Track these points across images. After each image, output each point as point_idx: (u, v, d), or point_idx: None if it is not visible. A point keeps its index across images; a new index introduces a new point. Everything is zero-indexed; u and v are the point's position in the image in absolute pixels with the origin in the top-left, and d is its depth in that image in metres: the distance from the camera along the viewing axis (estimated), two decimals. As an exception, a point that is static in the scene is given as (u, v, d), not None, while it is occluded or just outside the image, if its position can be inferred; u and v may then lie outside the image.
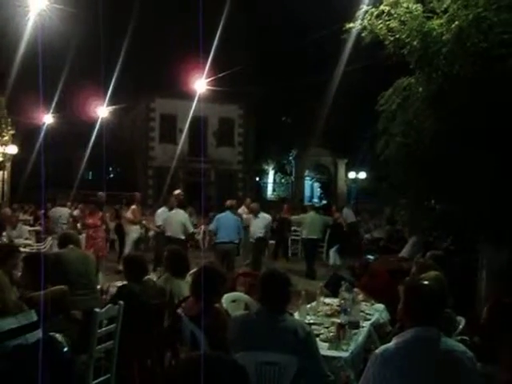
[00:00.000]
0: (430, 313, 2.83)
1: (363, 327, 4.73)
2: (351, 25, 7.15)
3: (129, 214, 12.37)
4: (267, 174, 39.34)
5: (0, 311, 3.40)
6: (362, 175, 33.55)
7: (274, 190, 39.34)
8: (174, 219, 10.45)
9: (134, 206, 12.49)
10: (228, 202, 10.96)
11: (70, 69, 21.26)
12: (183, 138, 29.45)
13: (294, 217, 14.52)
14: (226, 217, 10.49)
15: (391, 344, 2.84)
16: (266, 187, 39.41)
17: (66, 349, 3.30)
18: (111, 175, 37.96)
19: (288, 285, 3.52)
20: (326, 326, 4.67)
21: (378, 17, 6.84)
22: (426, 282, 3.07)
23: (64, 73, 20.47)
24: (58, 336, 3.32)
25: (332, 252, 14.16)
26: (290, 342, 3.32)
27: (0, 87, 19.63)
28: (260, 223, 11.59)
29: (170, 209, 10.89)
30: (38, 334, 3.55)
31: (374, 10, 6.86)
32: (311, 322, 4.74)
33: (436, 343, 2.76)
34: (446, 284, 4.08)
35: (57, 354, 3.24)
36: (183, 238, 10.22)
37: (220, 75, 14.24)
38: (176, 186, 29.77)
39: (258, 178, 38.84)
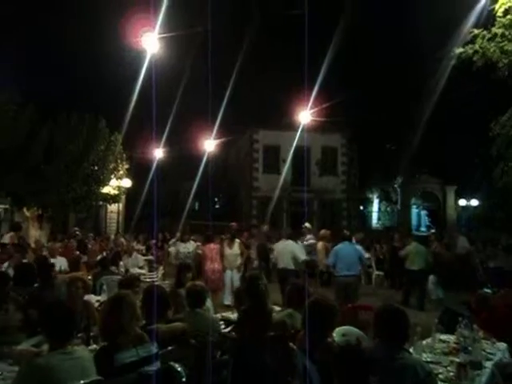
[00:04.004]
0: None
1: (485, 367, 4.42)
2: (461, 49, 6.97)
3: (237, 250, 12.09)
4: (372, 202, 38.58)
5: (122, 342, 3.56)
6: (474, 202, 32.01)
7: (379, 219, 38.44)
8: (284, 250, 10.56)
9: (238, 240, 12.37)
10: (345, 232, 10.76)
11: (179, 105, 22.33)
12: (286, 168, 29.78)
13: (401, 252, 13.67)
14: (344, 248, 10.10)
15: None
16: (371, 216, 38.60)
17: (183, 378, 3.39)
18: (217, 206, 39.09)
19: (407, 321, 3.39)
20: (445, 364, 4.43)
21: (491, 40, 6.60)
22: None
23: (173, 109, 21.52)
24: (177, 366, 3.42)
25: (431, 284, 13.39)
26: (409, 382, 3.18)
27: (118, 125, 20.99)
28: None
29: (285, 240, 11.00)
30: (157, 364, 3.69)
31: (485, 32, 6.64)
32: (428, 360, 4.51)
33: None
34: None
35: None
36: (294, 268, 10.24)
37: (324, 106, 14.29)
38: (280, 215, 30.25)
39: (362, 207, 38.18)
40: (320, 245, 13.36)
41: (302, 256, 10.59)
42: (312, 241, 13.34)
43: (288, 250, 10.49)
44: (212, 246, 12.03)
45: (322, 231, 12.59)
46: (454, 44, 7.27)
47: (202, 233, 15.94)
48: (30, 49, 22.23)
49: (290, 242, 10.74)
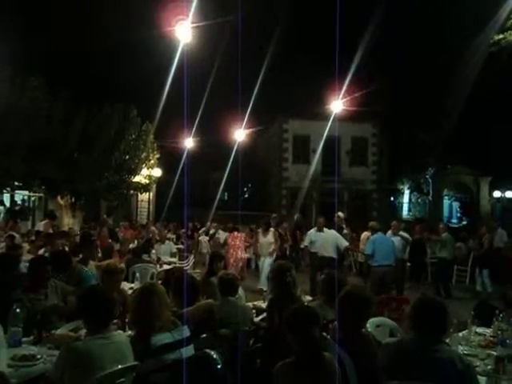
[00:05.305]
0: None
1: (524, 362, 4.32)
2: (501, 36, 6.78)
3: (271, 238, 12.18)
4: (402, 193, 38.09)
5: (158, 327, 3.63)
6: (509, 194, 31.41)
7: (409, 210, 37.94)
8: (325, 239, 10.67)
9: (273, 229, 12.57)
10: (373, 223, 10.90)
11: (209, 95, 22.33)
12: (316, 158, 29.61)
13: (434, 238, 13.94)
14: (380, 238, 10.29)
15: None
16: (402, 207, 38.13)
17: (219, 366, 3.42)
18: (246, 195, 39.13)
19: (445, 313, 3.33)
20: (481, 357, 4.35)
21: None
22: None
23: (204, 99, 21.53)
24: (213, 353, 3.45)
25: (482, 277, 13.27)
26: (447, 374, 3.13)
27: (149, 114, 21.09)
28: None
29: (319, 230, 11.00)
30: (192, 349, 3.75)
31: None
32: (465, 352, 4.44)
33: None
34: None
35: (212, 371, 3.37)
36: (335, 257, 10.39)
37: (355, 95, 14.11)
38: (309, 206, 30.13)
39: (392, 198, 37.74)
40: (364, 234, 13.40)
41: (345, 243, 10.87)
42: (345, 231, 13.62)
43: (331, 239, 10.64)
44: (235, 233, 12.47)
45: (372, 222, 12.69)
46: (491, 30, 7.07)
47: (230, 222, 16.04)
48: (61, 37, 22.43)
49: (333, 231, 10.91)
